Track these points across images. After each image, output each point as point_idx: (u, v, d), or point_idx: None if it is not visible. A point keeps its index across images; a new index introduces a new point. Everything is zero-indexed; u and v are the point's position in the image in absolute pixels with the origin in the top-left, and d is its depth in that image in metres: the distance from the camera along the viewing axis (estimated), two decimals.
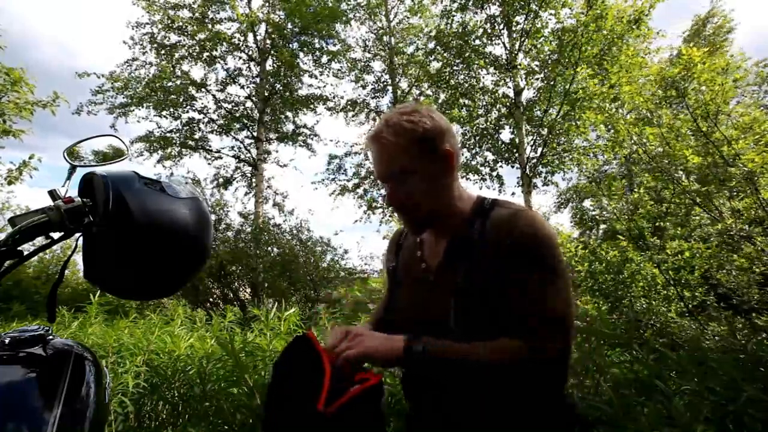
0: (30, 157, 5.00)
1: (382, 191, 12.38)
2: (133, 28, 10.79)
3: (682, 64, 3.55)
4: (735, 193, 3.45)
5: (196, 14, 10.90)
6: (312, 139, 12.22)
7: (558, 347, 0.77)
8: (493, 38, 8.88)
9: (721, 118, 3.39)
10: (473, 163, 10.10)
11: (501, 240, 0.83)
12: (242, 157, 11.77)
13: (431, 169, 0.87)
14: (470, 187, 10.06)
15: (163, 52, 10.87)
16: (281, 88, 11.73)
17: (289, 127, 12.22)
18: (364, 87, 12.49)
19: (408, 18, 12.60)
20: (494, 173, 9.91)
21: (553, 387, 0.82)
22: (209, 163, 11.90)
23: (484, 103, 9.41)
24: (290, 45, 11.69)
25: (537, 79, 8.72)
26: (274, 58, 11.53)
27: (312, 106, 11.96)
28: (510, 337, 0.78)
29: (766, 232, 3.02)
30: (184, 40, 10.99)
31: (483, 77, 9.32)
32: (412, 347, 0.76)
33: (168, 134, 11.28)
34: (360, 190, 12.50)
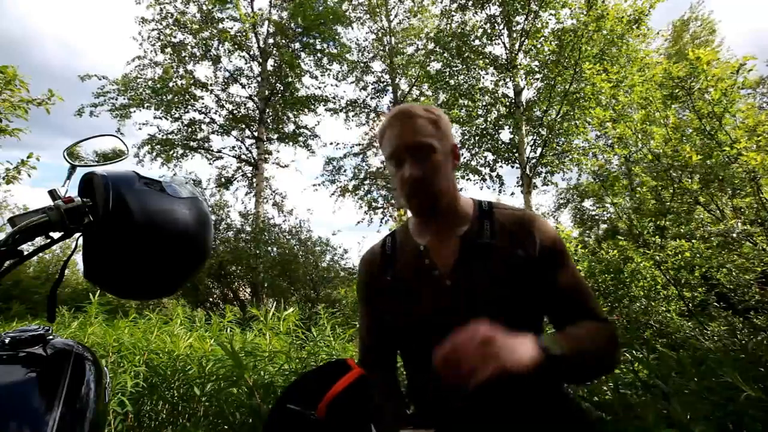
0: (28, 156, 4.97)
1: (383, 191, 12.40)
2: (140, 24, 10.80)
3: (688, 64, 3.54)
4: (738, 192, 3.44)
5: (199, 13, 10.90)
6: (312, 139, 12.25)
7: None
8: (493, 38, 8.87)
9: (726, 120, 3.38)
10: (473, 163, 10.10)
11: (523, 240, 0.87)
12: (243, 157, 11.79)
13: (446, 155, 0.93)
14: (470, 188, 10.07)
15: (168, 50, 10.88)
16: (282, 88, 11.74)
17: (290, 127, 12.25)
18: (364, 88, 12.50)
19: (408, 19, 12.61)
20: (494, 173, 9.91)
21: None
22: (210, 164, 11.93)
23: (484, 104, 9.41)
24: (292, 45, 11.70)
25: (537, 79, 8.71)
26: (276, 58, 11.53)
27: (312, 106, 11.98)
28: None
29: (766, 232, 3.02)
30: (188, 38, 11.00)
31: (483, 77, 9.32)
32: (551, 353, 0.72)
33: (170, 135, 11.29)
34: (361, 191, 12.51)
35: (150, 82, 10.85)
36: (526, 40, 8.53)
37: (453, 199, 0.93)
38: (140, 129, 11.36)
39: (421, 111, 0.91)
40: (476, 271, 0.86)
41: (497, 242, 0.88)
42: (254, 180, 11.45)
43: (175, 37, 10.92)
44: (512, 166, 9.45)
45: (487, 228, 0.90)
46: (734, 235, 3.00)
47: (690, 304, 3.28)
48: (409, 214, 1.01)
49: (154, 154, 11.23)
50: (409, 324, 0.92)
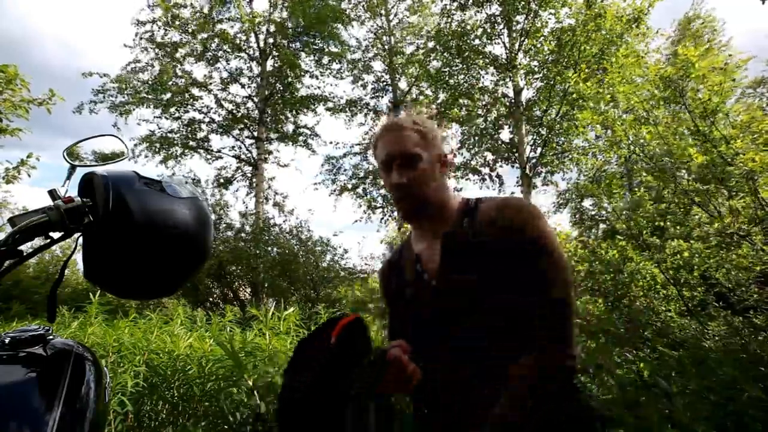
0: (28, 156, 4.97)
1: (382, 191, 12.39)
2: (136, 25, 10.80)
3: (679, 64, 3.55)
4: (734, 193, 3.44)
5: (199, 14, 10.88)
6: (312, 139, 12.24)
7: (569, 353, 0.80)
8: (493, 38, 8.87)
9: (720, 117, 3.38)
10: (473, 163, 10.10)
11: (498, 232, 0.87)
12: (243, 157, 11.78)
13: (432, 163, 0.97)
14: (470, 188, 10.07)
15: (162, 51, 10.86)
16: (281, 88, 11.73)
17: (290, 127, 12.24)
18: (364, 87, 12.50)
19: (408, 17, 12.60)
20: (494, 173, 9.91)
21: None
22: (210, 163, 11.92)
23: (484, 103, 9.40)
24: (292, 45, 11.69)
25: (537, 79, 8.71)
26: (276, 58, 11.52)
27: (312, 106, 11.97)
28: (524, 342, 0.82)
29: (764, 231, 3.01)
30: (185, 38, 10.98)
31: (482, 77, 9.32)
32: None
33: (169, 134, 11.28)
34: (360, 190, 12.51)
35: (149, 81, 10.84)
36: (526, 40, 8.52)
37: (441, 203, 0.96)
38: (139, 124, 11.39)
39: (409, 123, 0.97)
40: (459, 270, 0.88)
41: (478, 237, 0.88)
42: (254, 180, 11.45)
43: (170, 38, 10.91)
44: (512, 166, 9.46)
45: (466, 225, 0.91)
46: (730, 232, 3.00)
47: (689, 304, 3.27)
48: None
49: (152, 152, 11.20)
50: (412, 329, 0.95)
